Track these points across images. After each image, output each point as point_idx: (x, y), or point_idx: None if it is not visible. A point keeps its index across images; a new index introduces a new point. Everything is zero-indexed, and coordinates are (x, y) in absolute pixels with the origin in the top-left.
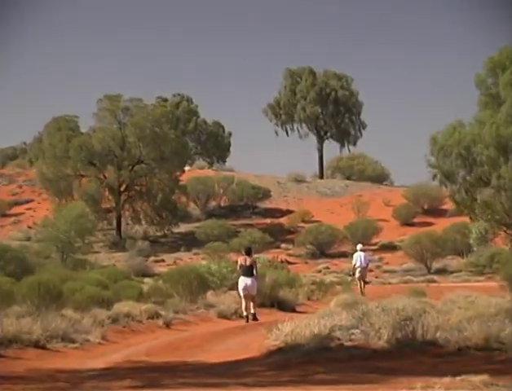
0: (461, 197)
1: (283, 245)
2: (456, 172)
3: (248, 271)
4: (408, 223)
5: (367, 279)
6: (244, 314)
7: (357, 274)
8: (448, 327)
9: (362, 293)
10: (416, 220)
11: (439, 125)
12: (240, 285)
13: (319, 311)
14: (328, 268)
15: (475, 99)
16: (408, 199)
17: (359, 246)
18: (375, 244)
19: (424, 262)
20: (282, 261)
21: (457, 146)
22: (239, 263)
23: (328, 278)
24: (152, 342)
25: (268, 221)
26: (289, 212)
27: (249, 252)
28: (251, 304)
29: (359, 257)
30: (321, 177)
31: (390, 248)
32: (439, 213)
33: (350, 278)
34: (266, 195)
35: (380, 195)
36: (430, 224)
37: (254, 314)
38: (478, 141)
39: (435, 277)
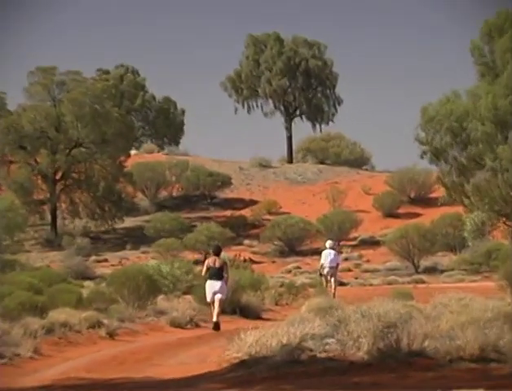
0: (451, 180)
1: (246, 241)
2: (447, 150)
3: (217, 274)
4: (391, 214)
5: (333, 283)
6: (214, 320)
7: (325, 272)
8: (437, 334)
9: (333, 296)
10: (401, 211)
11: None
12: (208, 290)
13: (288, 318)
14: (299, 268)
15: (473, 72)
16: (392, 186)
17: (328, 243)
18: (353, 239)
19: (411, 260)
20: (245, 260)
21: (448, 118)
22: (206, 264)
23: (300, 279)
24: (94, 355)
25: (228, 213)
26: (253, 202)
27: (218, 252)
28: (216, 309)
29: (328, 256)
30: (290, 161)
31: (371, 243)
32: (428, 202)
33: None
34: (226, 183)
35: (359, 182)
36: (417, 215)
37: (217, 323)
38: (473, 115)
39: (424, 277)
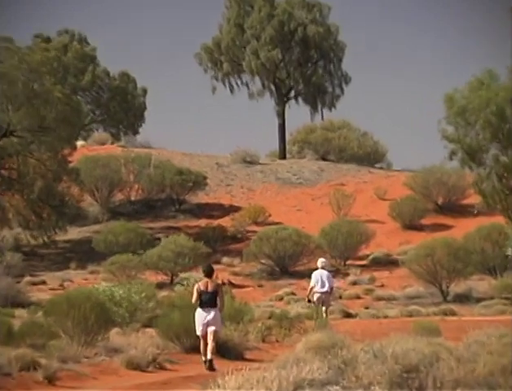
0: (490, 186)
1: (225, 259)
2: (485, 148)
3: (209, 300)
4: (413, 226)
5: (330, 307)
6: (204, 358)
7: (315, 298)
8: (473, 381)
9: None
10: (425, 221)
11: (460, 83)
12: (199, 321)
13: (279, 358)
14: (293, 294)
15: None
16: (414, 189)
17: (320, 261)
18: (364, 258)
19: (438, 285)
20: (224, 284)
21: (485, 109)
22: (196, 289)
23: (294, 308)
24: None
25: (203, 222)
26: (235, 209)
27: (210, 274)
28: (210, 344)
29: (319, 278)
30: (283, 156)
31: (386, 263)
32: (461, 210)
33: (308, 305)
34: (199, 183)
35: (371, 184)
36: (446, 227)
37: (211, 361)
38: None
39: (454, 307)
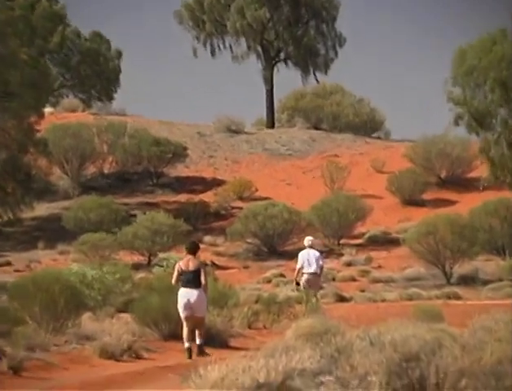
0: (499, 153)
1: (207, 238)
2: (494, 112)
3: (193, 280)
4: (414, 201)
5: (321, 290)
6: (186, 345)
7: (303, 280)
8: (479, 370)
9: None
10: (427, 196)
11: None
12: (181, 301)
13: (267, 346)
14: (282, 276)
15: None
16: (415, 161)
17: (307, 240)
18: (359, 236)
19: (440, 266)
20: (206, 265)
21: (496, 68)
22: (177, 268)
23: (283, 291)
24: None
25: (183, 198)
26: (218, 183)
27: (193, 251)
28: (197, 330)
29: (307, 257)
30: (271, 125)
31: (384, 242)
32: (466, 184)
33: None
34: (179, 155)
35: (368, 156)
36: (450, 203)
37: (201, 346)
38: None
39: (459, 290)
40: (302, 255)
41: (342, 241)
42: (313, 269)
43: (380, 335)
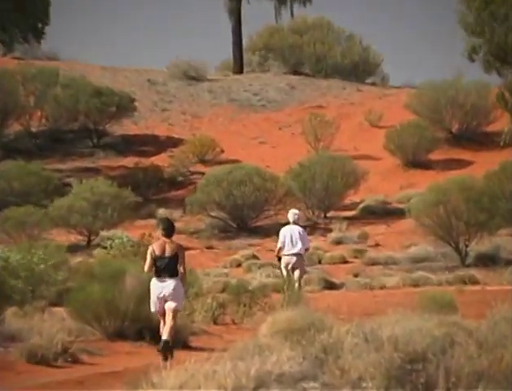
0: None
1: (161, 211)
2: None
3: (168, 268)
4: (418, 163)
5: (297, 280)
6: (164, 337)
7: (283, 264)
8: (499, 373)
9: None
10: (435, 156)
11: None
12: (154, 293)
13: (236, 346)
14: (255, 258)
15: None
16: (419, 112)
17: (291, 214)
18: (351, 207)
19: (453, 243)
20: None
21: None
22: (150, 253)
23: (257, 277)
24: None
25: (130, 161)
26: (174, 143)
27: (169, 232)
28: (168, 323)
29: (290, 235)
30: (239, 70)
31: (382, 214)
32: (483, 141)
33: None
34: (125, 108)
35: (360, 107)
36: (463, 164)
37: (167, 343)
38: None
39: (476, 273)
40: (283, 232)
41: (329, 213)
42: (296, 249)
43: (377, 330)
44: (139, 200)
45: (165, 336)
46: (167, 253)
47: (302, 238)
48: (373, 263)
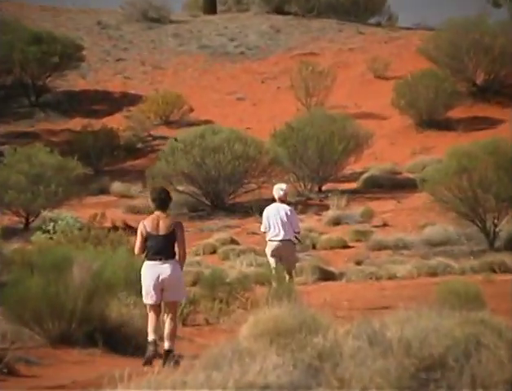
0: None
1: (116, 185)
2: None
3: (164, 249)
4: (435, 123)
5: (296, 263)
6: (151, 338)
7: (269, 251)
8: None
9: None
10: (456, 113)
11: None
12: (147, 279)
13: (210, 351)
14: (233, 242)
15: None
16: (436, 59)
17: (277, 189)
18: (352, 178)
19: (479, 222)
20: (115, 227)
21: None
22: (140, 231)
23: (236, 266)
24: None
25: (77, 124)
26: (132, 100)
27: (164, 204)
28: (168, 322)
29: (276, 216)
30: (211, 9)
31: (391, 187)
32: None
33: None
34: (71, 57)
35: (362, 53)
36: (490, 123)
37: (170, 352)
38: None
39: (506, 258)
40: (268, 213)
41: (325, 187)
42: (285, 233)
43: (384, 330)
44: (88, 173)
45: (166, 345)
46: (161, 230)
47: (290, 219)
48: (380, 247)
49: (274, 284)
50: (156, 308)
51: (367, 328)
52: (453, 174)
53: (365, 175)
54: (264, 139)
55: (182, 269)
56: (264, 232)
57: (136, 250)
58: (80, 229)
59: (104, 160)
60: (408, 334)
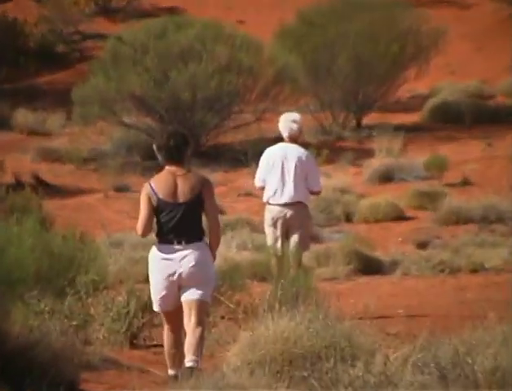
0: None
1: (23, 114)
2: None
3: (185, 224)
4: None
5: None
6: (171, 372)
7: (268, 220)
8: None
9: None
10: None
11: None
12: (158, 275)
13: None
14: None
15: None
16: None
17: (286, 120)
18: (410, 108)
19: None
20: (20, 183)
21: None
22: (146, 195)
23: (220, 250)
24: None
25: None
26: None
27: (180, 154)
28: (191, 328)
29: (279, 165)
30: None
31: (478, 119)
32: None
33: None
34: None
35: None
36: None
37: (191, 369)
38: None
39: None
40: (269, 157)
41: (366, 119)
42: (296, 193)
43: (465, 357)
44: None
45: (189, 360)
46: (181, 196)
47: (305, 169)
48: (458, 220)
49: (277, 275)
50: (177, 317)
51: (436, 354)
52: None
53: (433, 101)
54: (266, 40)
55: (214, 256)
56: (261, 189)
57: (140, 228)
58: None
59: (2, 72)
60: (505, 364)
